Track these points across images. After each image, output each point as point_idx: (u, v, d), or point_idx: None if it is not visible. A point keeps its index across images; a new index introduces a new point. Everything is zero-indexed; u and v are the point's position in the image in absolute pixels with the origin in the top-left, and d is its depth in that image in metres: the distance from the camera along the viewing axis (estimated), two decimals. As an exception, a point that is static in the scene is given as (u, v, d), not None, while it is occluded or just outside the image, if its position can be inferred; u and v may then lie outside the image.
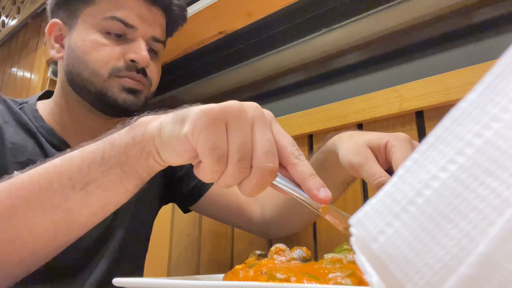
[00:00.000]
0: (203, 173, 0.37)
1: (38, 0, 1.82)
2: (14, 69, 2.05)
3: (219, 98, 1.35)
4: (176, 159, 0.40)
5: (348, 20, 0.96)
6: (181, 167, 0.85)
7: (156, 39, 0.72)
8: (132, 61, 0.68)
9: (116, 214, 0.73)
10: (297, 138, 0.88)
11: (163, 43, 0.74)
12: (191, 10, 1.09)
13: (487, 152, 0.18)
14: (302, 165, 0.37)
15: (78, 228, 0.46)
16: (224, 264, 0.94)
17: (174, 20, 0.78)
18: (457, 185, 0.19)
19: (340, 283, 0.34)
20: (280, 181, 0.38)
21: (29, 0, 1.92)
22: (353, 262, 0.39)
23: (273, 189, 0.39)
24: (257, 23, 1.07)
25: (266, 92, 1.19)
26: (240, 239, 0.93)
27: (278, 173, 0.38)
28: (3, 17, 2.22)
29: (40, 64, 1.71)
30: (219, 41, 1.17)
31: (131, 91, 0.69)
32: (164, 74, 1.44)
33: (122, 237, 0.74)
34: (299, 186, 0.37)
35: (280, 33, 1.09)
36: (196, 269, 1.00)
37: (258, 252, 0.46)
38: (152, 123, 0.42)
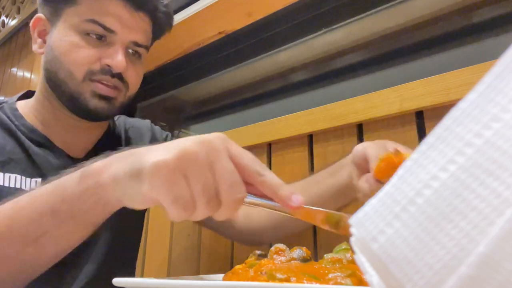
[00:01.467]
0: (172, 218, 0.37)
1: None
2: (14, 69, 2.05)
3: (219, 98, 1.35)
4: (139, 207, 0.40)
5: (348, 20, 0.96)
6: None
7: (137, 44, 0.71)
8: (108, 65, 0.67)
9: None
10: (297, 138, 0.88)
11: (146, 47, 0.74)
12: (191, 10, 1.09)
13: (487, 152, 0.18)
14: (268, 179, 0.38)
15: (40, 267, 0.45)
16: (224, 264, 0.94)
17: (160, 26, 0.76)
18: (457, 185, 0.19)
19: (340, 283, 0.34)
20: (249, 200, 0.39)
21: (29, 0, 1.92)
22: (353, 262, 0.39)
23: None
24: (257, 23, 1.07)
25: (266, 92, 1.19)
26: (240, 239, 0.93)
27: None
28: (3, 17, 2.22)
29: (40, 64, 1.71)
30: (219, 41, 1.17)
31: (103, 97, 0.68)
32: (164, 74, 1.45)
33: (110, 235, 0.74)
34: (269, 198, 0.39)
35: (280, 33, 1.09)
36: (196, 269, 1.00)
37: (258, 252, 0.46)
38: (104, 174, 0.41)
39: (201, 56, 1.26)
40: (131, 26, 0.69)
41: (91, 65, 0.67)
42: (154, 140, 0.87)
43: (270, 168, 0.92)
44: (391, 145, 0.52)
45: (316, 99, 1.03)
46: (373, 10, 0.92)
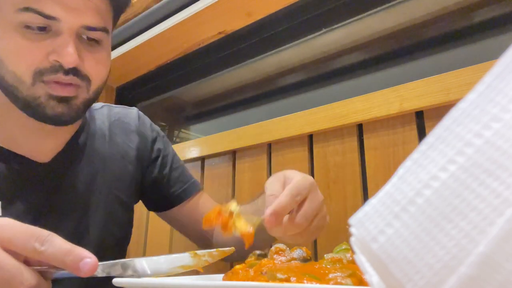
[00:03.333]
0: None
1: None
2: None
3: (219, 98, 1.35)
4: None
5: (348, 20, 0.96)
6: (160, 167, 0.80)
7: (90, 28, 0.58)
8: (57, 61, 0.57)
9: (87, 213, 0.69)
10: (297, 138, 0.88)
11: (104, 30, 0.61)
12: (191, 10, 1.09)
13: (487, 152, 0.18)
14: (49, 251, 0.37)
15: None
16: (224, 264, 0.94)
17: (116, 1, 0.64)
18: (457, 185, 0.19)
19: (340, 283, 0.34)
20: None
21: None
22: (353, 262, 0.39)
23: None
24: (257, 23, 1.07)
25: (266, 92, 1.19)
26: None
27: None
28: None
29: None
30: (219, 41, 1.17)
31: (61, 99, 0.58)
32: (164, 74, 1.45)
33: (96, 237, 0.69)
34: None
35: (280, 33, 1.09)
36: (196, 269, 1.00)
37: (258, 252, 0.46)
38: None
39: (201, 56, 1.26)
40: (78, 8, 0.57)
41: (39, 64, 0.56)
42: (142, 142, 0.79)
43: (270, 168, 0.92)
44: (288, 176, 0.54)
45: (316, 99, 1.03)
46: (373, 10, 0.92)
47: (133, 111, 0.82)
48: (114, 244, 0.74)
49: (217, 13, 1.06)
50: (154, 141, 0.81)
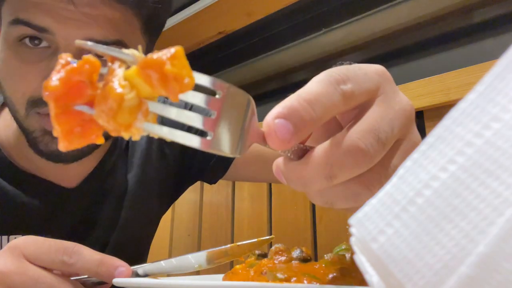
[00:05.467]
0: None
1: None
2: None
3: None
4: None
5: (348, 20, 0.96)
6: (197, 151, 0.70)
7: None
8: None
9: (111, 236, 0.64)
10: (297, 138, 0.88)
11: (120, 43, 0.47)
12: (191, 10, 1.09)
13: (487, 152, 0.18)
14: (80, 263, 0.38)
15: None
16: (224, 264, 0.94)
17: (147, 8, 0.49)
18: (457, 185, 0.19)
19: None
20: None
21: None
22: (353, 262, 0.39)
23: None
24: (257, 23, 1.07)
25: (266, 92, 1.19)
26: (240, 239, 0.93)
27: None
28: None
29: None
30: (219, 41, 1.17)
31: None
32: (164, 74, 1.44)
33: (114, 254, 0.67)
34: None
35: (280, 33, 1.09)
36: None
37: (258, 252, 0.46)
38: None
39: (201, 56, 1.26)
40: (75, 18, 0.45)
41: (33, 92, 0.47)
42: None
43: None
44: None
45: (316, 99, 1.03)
46: (373, 10, 0.92)
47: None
48: (131, 262, 0.72)
49: (217, 13, 1.06)
50: None
